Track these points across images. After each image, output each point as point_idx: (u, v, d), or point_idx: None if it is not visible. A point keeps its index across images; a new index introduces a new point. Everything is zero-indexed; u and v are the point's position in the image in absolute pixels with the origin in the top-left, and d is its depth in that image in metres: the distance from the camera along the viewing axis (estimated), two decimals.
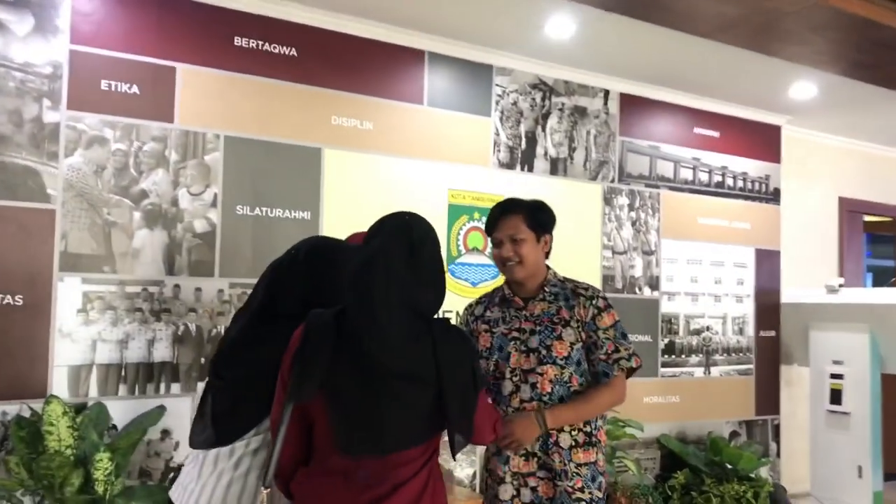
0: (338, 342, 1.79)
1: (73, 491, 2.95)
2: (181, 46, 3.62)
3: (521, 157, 4.65)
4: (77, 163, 3.37)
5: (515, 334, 2.57)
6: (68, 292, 3.33)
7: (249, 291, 3.55)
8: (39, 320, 3.27)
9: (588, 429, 2.56)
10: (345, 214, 4.00)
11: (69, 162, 3.35)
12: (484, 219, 4.23)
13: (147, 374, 3.48)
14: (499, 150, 4.57)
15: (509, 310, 2.61)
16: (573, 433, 2.52)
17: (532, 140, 4.69)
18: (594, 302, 2.56)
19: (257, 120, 3.80)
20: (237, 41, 3.77)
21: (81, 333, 3.35)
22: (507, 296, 2.64)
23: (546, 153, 4.74)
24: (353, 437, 1.76)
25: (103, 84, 3.44)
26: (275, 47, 3.87)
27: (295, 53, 3.92)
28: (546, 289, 2.60)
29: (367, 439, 1.77)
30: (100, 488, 2.97)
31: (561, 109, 4.82)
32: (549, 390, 2.49)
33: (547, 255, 2.67)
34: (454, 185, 4.39)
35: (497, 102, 4.57)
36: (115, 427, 3.38)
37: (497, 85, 4.58)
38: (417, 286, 1.85)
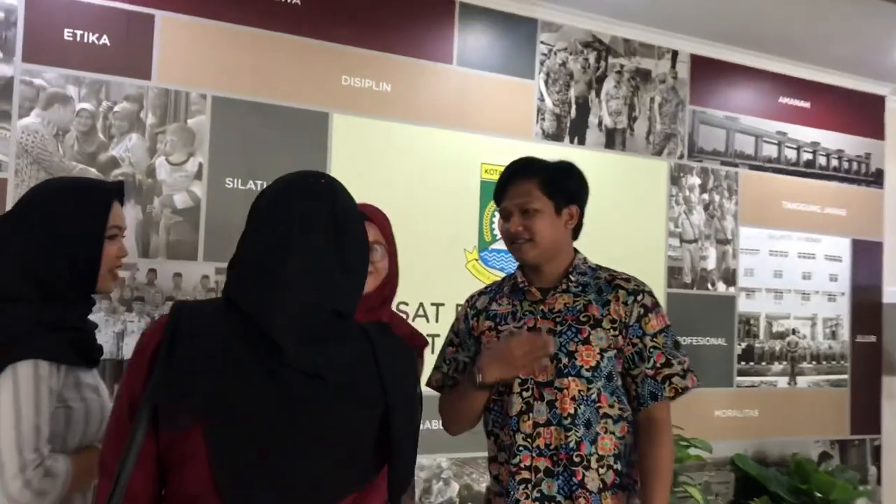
0: (228, 346, 1.21)
1: None
2: None
3: (571, 126, 3.98)
4: (34, 124, 2.89)
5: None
6: None
7: None
8: None
9: (619, 465, 1.91)
10: (355, 190, 3.37)
11: (24, 123, 2.87)
12: None
13: (116, 372, 2.98)
14: (543, 119, 3.91)
15: (522, 303, 2.03)
16: (601, 471, 1.88)
17: (584, 107, 4.02)
18: (638, 298, 1.96)
19: (252, 78, 3.25)
20: None
21: None
22: (519, 284, 2.03)
23: (601, 123, 4.06)
24: (249, 485, 1.17)
25: (66, 33, 2.94)
26: None
27: (298, 1, 3.36)
28: (571, 277, 2.00)
29: (274, 487, 1.18)
30: None
31: (619, 72, 4.13)
32: (572, 411, 1.88)
33: (575, 233, 2.08)
34: (488, 158, 3.76)
35: (542, 63, 3.91)
36: None
37: (542, 42, 3.92)
38: (340, 275, 1.28)
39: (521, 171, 2.02)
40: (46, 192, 1.59)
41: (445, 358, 2.16)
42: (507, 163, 3.72)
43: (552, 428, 1.88)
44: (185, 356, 1.19)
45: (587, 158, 3.93)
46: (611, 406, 1.92)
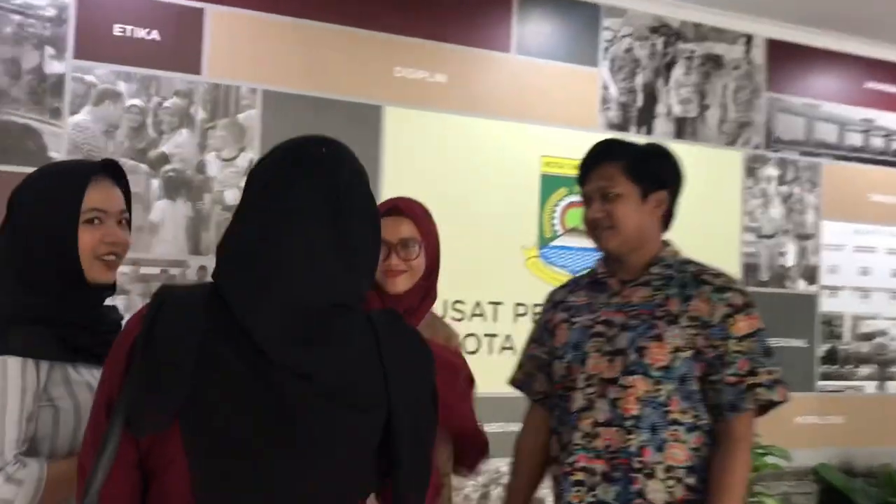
0: (207, 340, 1.06)
1: None
2: None
3: (638, 116, 3.79)
4: (85, 121, 2.88)
5: (600, 328, 1.80)
6: None
7: None
8: None
9: (692, 480, 1.72)
10: (408, 185, 3.28)
11: (75, 120, 2.86)
12: None
13: None
14: (608, 108, 3.73)
15: (600, 294, 1.85)
16: (669, 483, 1.70)
17: (651, 96, 3.82)
18: (726, 296, 1.74)
19: (303, 71, 3.18)
20: None
21: None
22: (599, 275, 1.87)
23: (669, 112, 3.85)
24: (229, 498, 1.06)
25: (117, 29, 2.92)
26: None
27: None
28: (653, 269, 1.80)
29: (258, 500, 1.06)
30: None
31: (689, 58, 3.91)
32: (636, 412, 1.70)
33: (665, 222, 1.86)
34: (549, 150, 3.60)
35: (606, 49, 3.73)
36: None
37: (606, 28, 3.74)
38: (341, 261, 1.12)
39: (605, 153, 1.83)
40: (26, 180, 1.48)
41: (526, 354, 2.01)
42: (568, 155, 3.60)
43: (613, 429, 1.71)
44: (162, 350, 1.05)
45: None
46: (683, 412, 1.71)
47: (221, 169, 3.05)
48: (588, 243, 3.49)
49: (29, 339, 1.35)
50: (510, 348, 3.40)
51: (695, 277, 1.78)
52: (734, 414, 1.70)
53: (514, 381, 2.03)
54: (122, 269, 2.84)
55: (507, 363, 2.11)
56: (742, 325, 1.72)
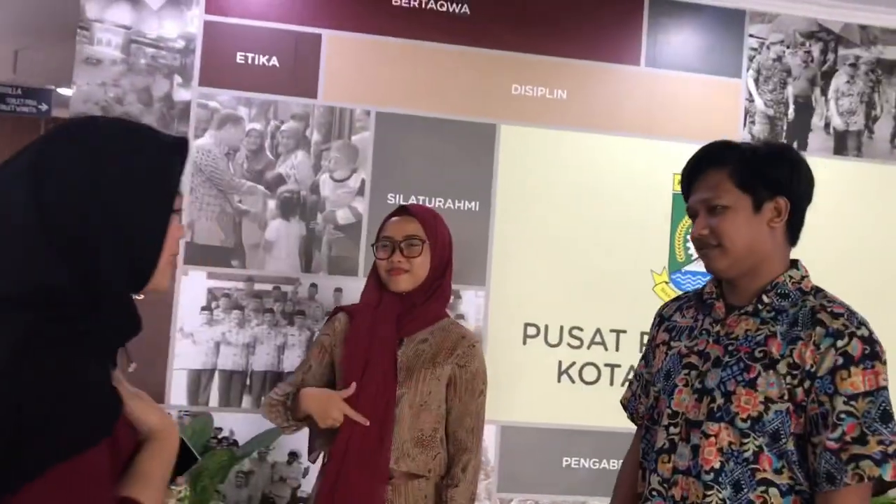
0: None
1: None
2: (329, 9, 3.13)
3: (788, 129, 3.42)
4: (208, 144, 3.04)
5: (694, 359, 1.56)
6: (192, 288, 3.00)
7: None
8: (160, 318, 2.97)
9: None
10: (524, 205, 3.20)
11: (199, 143, 3.04)
12: None
13: (275, 385, 3.01)
14: (752, 122, 3.40)
15: (706, 319, 1.60)
16: None
17: (805, 107, 3.44)
18: (840, 343, 1.42)
19: (416, 93, 3.18)
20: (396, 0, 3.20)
21: (204, 334, 2.99)
22: (707, 296, 1.63)
23: (828, 125, 3.45)
24: None
25: (239, 57, 3.08)
26: (442, 5, 3.22)
27: (467, 11, 3.23)
28: (765, 297, 1.51)
29: None
30: None
31: (853, 65, 3.48)
32: (717, 465, 1.46)
33: (793, 238, 1.57)
34: (682, 168, 3.34)
35: (751, 58, 3.41)
36: (235, 443, 2.96)
37: (751, 36, 3.42)
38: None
39: (708, 159, 1.59)
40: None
41: (635, 374, 1.83)
42: None
43: (691, 479, 1.49)
44: None
45: (811, 166, 3.36)
46: (777, 473, 1.45)
47: (334, 189, 3.10)
48: None
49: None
50: None
51: (812, 314, 1.47)
52: (830, 487, 1.40)
53: (623, 400, 1.84)
54: (238, 284, 2.98)
55: None
56: (856, 381, 1.41)
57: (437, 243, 1.92)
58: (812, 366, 1.42)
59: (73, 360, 0.87)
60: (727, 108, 3.39)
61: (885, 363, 1.44)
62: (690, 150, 3.25)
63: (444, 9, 3.22)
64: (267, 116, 3.08)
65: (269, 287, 3.04)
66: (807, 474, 1.44)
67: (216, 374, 2.99)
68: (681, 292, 3.25)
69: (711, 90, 3.38)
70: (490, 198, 3.19)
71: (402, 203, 3.07)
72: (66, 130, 1.00)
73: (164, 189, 1.04)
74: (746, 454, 1.44)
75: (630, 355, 3.22)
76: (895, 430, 1.40)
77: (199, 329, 2.98)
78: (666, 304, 1.77)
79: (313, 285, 3.06)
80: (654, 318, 1.77)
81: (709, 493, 1.45)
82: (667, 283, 3.31)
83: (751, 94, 3.40)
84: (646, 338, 3.25)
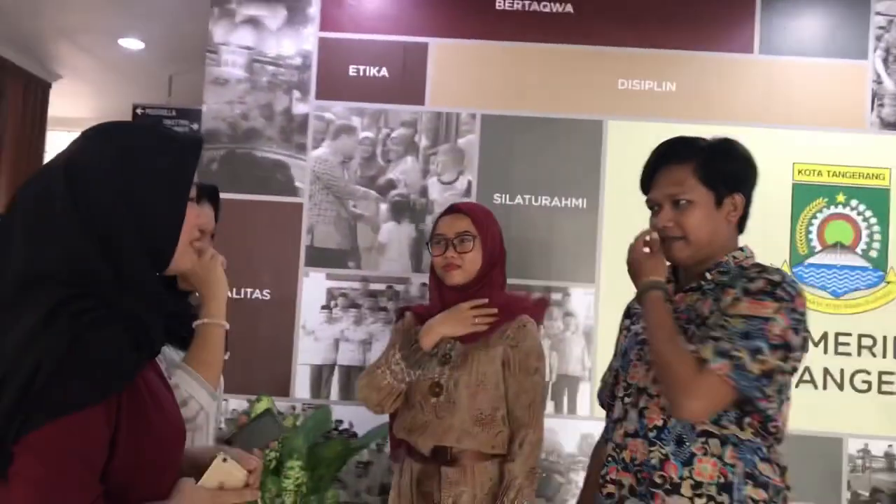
0: None
1: (269, 497, 2.76)
2: (435, 18, 3.26)
3: None
4: (324, 154, 3.24)
5: (648, 335, 1.62)
6: (313, 288, 3.20)
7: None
8: (285, 316, 3.19)
9: (727, 499, 1.49)
10: (633, 201, 3.13)
11: (316, 154, 3.24)
12: (854, 202, 3.05)
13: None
14: (881, 105, 3.20)
15: None
16: (697, 502, 1.49)
17: None
18: (746, 284, 1.51)
19: (520, 93, 3.23)
20: (499, 3, 3.26)
21: (325, 331, 3.18)
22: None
23: None
24: None
25: (351, 70, 3.25)
26: (545, 5, 3.26)
27: (571, 10, 3.25)
28: (708, 275, 1.61)
29: None
30: (288, 499, 2.72)
31: None
32: (659, 423, 1.54)
33: (741, 227, 1.68)
34: (804, 156, 3.19)
35: (878, 38, 3.21)
36: (354, 435, 3.13)
37: (879, 14, 3.22)
38: (23, 232, 1.10)
39: (672, 153, 1.66)
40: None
41: (609, 366, 1.89)
42: (828, 161, 3.17)
43: (638, 440, 1.57)
44: None
45: None
46: (715, 423, 1.50)
47: (442, 192, 3.21)
48: (852, 260, 3.09)
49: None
50: None
51: (740, 274, 1.56)
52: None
53: (598, 391, 1.92)
54: (354, 284, 3.15)
55: None
56: (742, 307, 1.48)
57: (488, 238, 2.01)
58: (722, 307, 1.51)
59: (88, 329, 0.99)
60: (852, 92, 3.21)
61: (783, 304, 1.47)
62: (813, 137, 3.17)
63: (547, 9, 3.26)
64: (378, 125, 3.24)
65: (382, 287, 3.19)
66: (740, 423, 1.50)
67: (336, 369, 3.17)
68: (810, 289, 3.14)
69: (834, 74, 3.21)
70: (598, 194, 3.19)
71: (508, 203, 3.15)
72: (98, 132, 1.15)
73: (180, 181, 1.16)
74: None
75: None
76: (750, 347, 1.43)
77: (319, 327, 3.18)
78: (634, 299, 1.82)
79: (424, 284, 3.17)
80: (624, 311, 1.86)
81: (652, 448, 1.53)
82: None
83: (879, 76, 3.20)
84: None
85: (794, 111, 3.19)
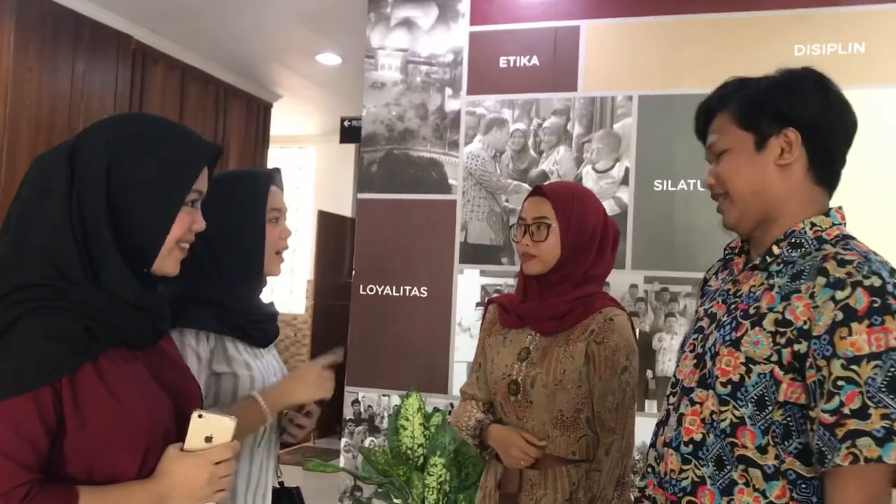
0: None
1: (417, 493, 2.76)
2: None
3: None
4: (476, 149, 3.20)
5: (704, 322, 1.33)
6: (467, 285, 3.17)
7: (669, 287, 2.83)
8: (441, 313, 3.20)
9: None
10: None
11: (468, 150, 3.21)
12: None
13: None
14: None
15: (728, 276, 1.37)
16: None
17: None
18: (839, 295, 1.12)
19: (680, 71, 2.97)
20: None
21: (479, 328, 3.13)
22: (728, 251, 1.42)
23: None
24: None
25: (502, 62, 3.19)
26: None
27: None
28: (776, 248, 1.25)
29: None
30: (431, 497, 2.70)
31: None
32: (698, 437, 1.23)
33: (823, 177, 1.27)
34: None
35: None
36: None
37: None
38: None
39: (717, 100, 1.32)
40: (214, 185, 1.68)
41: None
42: None
43: (671, 451, 1.27)
44: None
45: None
46: (761, 451, 1.18)
47: (597, 181, 3.04)
48: None
49: (201, 315, 1.61)
50: None
51: (820, 263, 1.18)
52: (822, 468, 1.12)
53: None
54: (508, 280, 3.10)
55: None
56: (858, 341, 1.10)
57: (571, 224, 1.78)
58: (805, 323, 1.15)
59: (25, 321, 1.02)
60: None
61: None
62: None
63: None
64: (529, 115, 3.14)
65: None
66: (805, 456, 1.16)
67: None
68: None
69: None
70: None
71: (671, 189, 2.92)
72: (104, 122, 1.17)
73: (177, 181, 1.15)
74: (723, 425, 1.20)
75: None
76: None
77: (474, 323, 3.14)
78: (711, 267, 1.49)
79: None
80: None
81: (685, 467, 1.24)
82: None
83: None
84: None
85: None
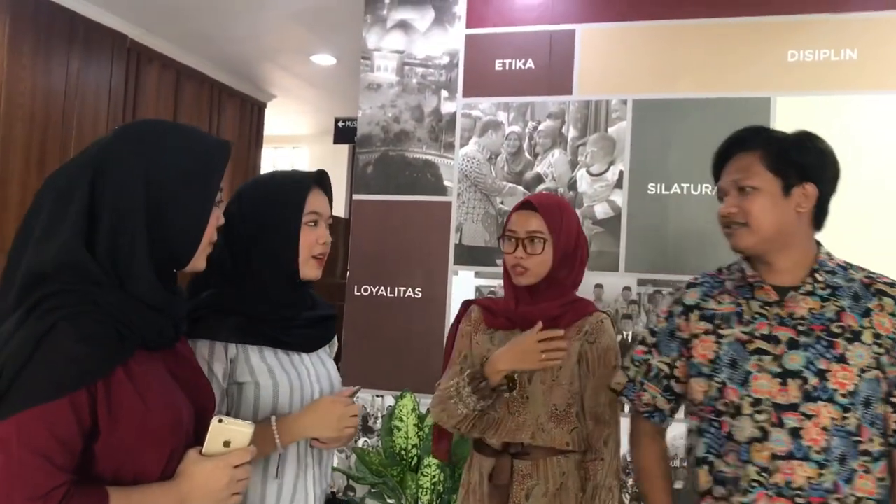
0: None
1: (411, 494, 2.77)
2: (582, 3, 3.12)
3: None
4: (471, 151, 3.21)
5: (762, 344, 1.53)
6: (462, 286, 3.19)
7: (662, 290, 2.86)
8: (436, 314, 3.21)
9: None
10: None
11: (464, 151, 3.22)
12: None
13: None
14: None
15: (750, 302, 1.58)
16: None
17: None
18: None
19: (675, 75, 3.00)
20: None
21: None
22: (749, 279, 1.60)
23: None
24: None
25: (497, 64, 3.20)
26: None
27: None
28: (818, 276, 1.55)
29: None
30: (424, 497, 2.71)
31: None
32: (824, 444, 1.47)
33: (816, 221, 1.59)
34: None
35: None
36: None
37: None
38: (41, 232, 1.15)
39: (740, 141, 1.60)
40: (248, 186, 1.65)
41: (633, 359, 1.73)
42: None
43: (795, 462, 1.47)
44: None
45: None
46: (871, 441, 1.48)
47: (591, 184, 3.06)
48: None
49: (218, 328, 1.54)
50: None
51: (867, 287, 1.55)
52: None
53: (616, 385, 1.77)
54: (501, 282, 3.10)
55: None
56: None
57: (562, 236, 1.86)
58: (894, 332, 1.49)
59: (58, 327, 1.03)
60: None
61: None
62: None
63: None
64: (525, 118, 3.16)
65: None
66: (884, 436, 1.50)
67: None
68: None
69: None
70: None
71: (664, 193, 2.95)
72: (126, 130, 1.19)
73: (207, 184, 1.18)
74: (849, 427, 1.46)
75: None
76: None
77: None
78: (685, 292, 1.69)
79: None
80: (673, 306, 1.69)
81: (823, 472, 1.46)
82: None
83: None
84: None
85: None
